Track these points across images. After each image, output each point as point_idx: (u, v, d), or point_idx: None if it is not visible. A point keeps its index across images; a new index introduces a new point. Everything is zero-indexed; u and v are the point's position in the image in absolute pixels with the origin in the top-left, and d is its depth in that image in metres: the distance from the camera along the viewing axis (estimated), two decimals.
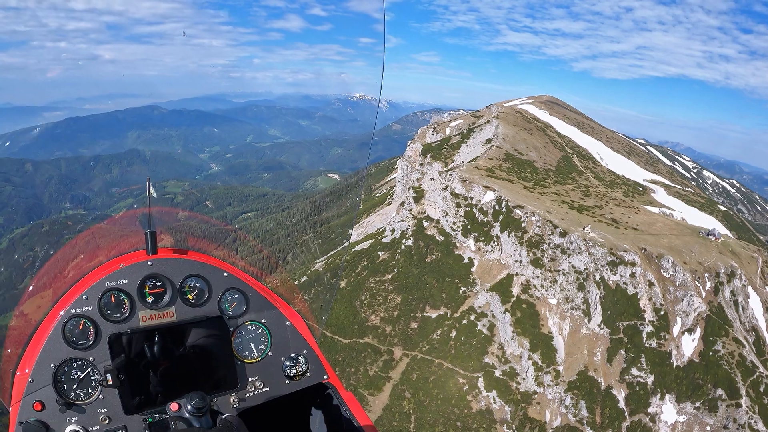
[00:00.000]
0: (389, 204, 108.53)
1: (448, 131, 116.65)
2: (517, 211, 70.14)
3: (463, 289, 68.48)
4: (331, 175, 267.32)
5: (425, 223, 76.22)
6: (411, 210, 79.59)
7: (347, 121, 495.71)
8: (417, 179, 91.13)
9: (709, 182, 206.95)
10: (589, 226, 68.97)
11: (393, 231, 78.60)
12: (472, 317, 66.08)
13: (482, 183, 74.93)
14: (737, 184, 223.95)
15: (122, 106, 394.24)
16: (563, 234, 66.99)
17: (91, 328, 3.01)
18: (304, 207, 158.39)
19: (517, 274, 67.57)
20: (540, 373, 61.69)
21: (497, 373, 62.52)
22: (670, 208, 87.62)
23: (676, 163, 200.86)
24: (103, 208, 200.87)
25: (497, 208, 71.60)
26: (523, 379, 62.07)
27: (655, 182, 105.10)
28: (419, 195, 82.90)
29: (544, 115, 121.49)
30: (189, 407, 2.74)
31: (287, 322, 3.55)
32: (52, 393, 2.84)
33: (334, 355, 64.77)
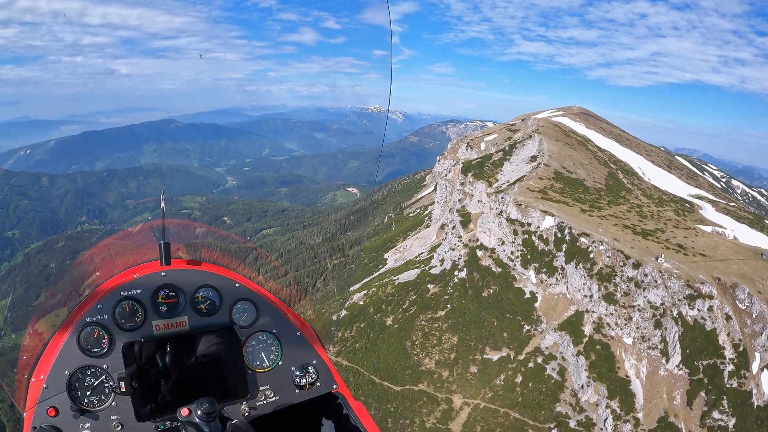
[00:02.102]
0: (428, 226, 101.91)
1: (483, 147, 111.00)
2: (582, 239, 63.26)
3: (526, 327, 61.46)
4: (350, 189, 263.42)
5: (479, 253, 69.30)
6: (460, 237, 72.80)
7: (363, 133, 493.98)
8: (459, 200, 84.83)
9: (739, 192, 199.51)
10: (662, 255, 62.16)
11: (442, 261, 71.59)
12: (540, 360, 59.02)
13: (539, 207, 68.23)
14: (766, 193, 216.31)
15: (139, 120, 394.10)
16: (636, 265, 60.16)
17: (106, 336, 3.05)
18: (329, 225, 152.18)
19: (587, 310, 60.58)
20: (619, 423, 54.74)
21: (572, 423, 55.45)
22: (721, 227, 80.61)
23: (705, 173, 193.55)
24: (119, 222, 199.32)
25: (559, 235, 64.75)
26: (601, 429, 55.02)
27: (700, 197, 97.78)
28: (466, 219, 76.35)
29: (581, 128, 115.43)
30: (199, 412, 2.76)
31: (297, 333, 3.57)
32: (66, 399, 2.89)
33: (385, 405, 57.96)
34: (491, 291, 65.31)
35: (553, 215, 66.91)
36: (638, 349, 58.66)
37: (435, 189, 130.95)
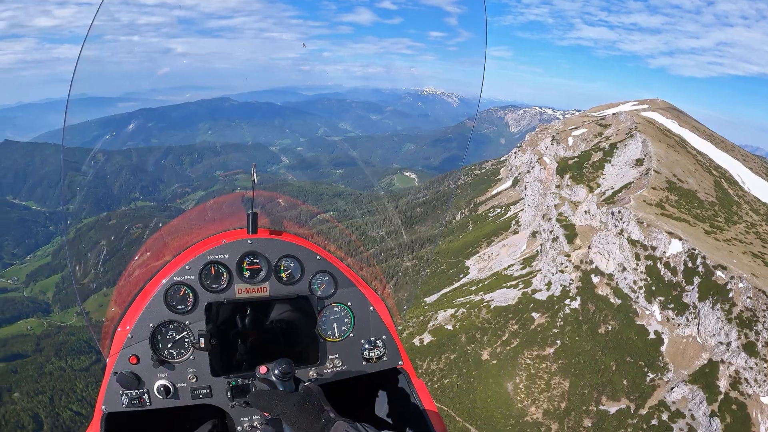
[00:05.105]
0: (516, 232, 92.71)
1: (570, 141, 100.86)
2: (719, 272, 53.28)
3: (651, 375, 52.17)
4: (407, 174, 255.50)
5: (594, 278, 60.07)
6: (569, 256, 63.58)
7: (418, 115, 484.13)
8: (555, 206, 75.63)
9: None
10: None
11: (549, 285, 62.62)
12: (665, 416, 49.63)
13: (663, 227, 58.56)
14: None
15: (194, 97, 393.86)
16: None
17: (191, 295, 3.19)
18: (393, 217, 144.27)
19: (722, 361, 50.81)
20: None
21: None
22: None
23: None
24: (172, 199, 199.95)
25: (690, 265, 54.87)
26: None
27: None
28: (571, 233, 67.16)
29: (674, 126, 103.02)
30: (276, 371, 2.87)
31: (371, 308, 3.63)
32: (148, 349, 3.05)
33: None
34: (609, 327, 56.15)
35: (680, 238, 57.13)
36: None
37: (513, 185, 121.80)
